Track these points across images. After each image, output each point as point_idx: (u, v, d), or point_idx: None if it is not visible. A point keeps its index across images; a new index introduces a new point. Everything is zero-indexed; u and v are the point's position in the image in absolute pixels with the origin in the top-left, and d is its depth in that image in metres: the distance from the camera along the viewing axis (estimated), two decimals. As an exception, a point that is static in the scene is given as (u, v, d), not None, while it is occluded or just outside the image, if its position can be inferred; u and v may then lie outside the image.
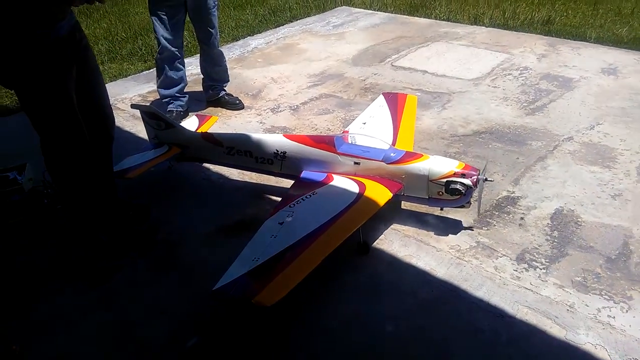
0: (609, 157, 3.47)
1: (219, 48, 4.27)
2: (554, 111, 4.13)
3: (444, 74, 4.94)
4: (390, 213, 2.92)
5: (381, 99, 3.72)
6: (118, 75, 5.28)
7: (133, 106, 3.48)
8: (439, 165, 2.66)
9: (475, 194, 2.69)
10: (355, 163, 2.79)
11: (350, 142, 2.87)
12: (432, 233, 2.83)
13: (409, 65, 5.22)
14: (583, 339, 2.17)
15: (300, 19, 6.97)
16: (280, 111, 4.38)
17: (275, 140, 3.01)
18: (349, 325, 2.30)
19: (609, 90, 4.45)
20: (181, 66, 4.16)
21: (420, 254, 2.69)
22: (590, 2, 6.78)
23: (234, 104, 4.43)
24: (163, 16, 3.89)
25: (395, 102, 3.66)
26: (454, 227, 2.86)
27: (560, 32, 5.86)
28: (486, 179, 2.67)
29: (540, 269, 2.55)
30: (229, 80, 4.49)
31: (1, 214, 3.03)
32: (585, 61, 5.06)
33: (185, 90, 4.32)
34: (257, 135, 3.17)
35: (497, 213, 2.96)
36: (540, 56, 5.25)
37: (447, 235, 2.81)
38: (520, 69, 4.97)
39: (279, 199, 3.08)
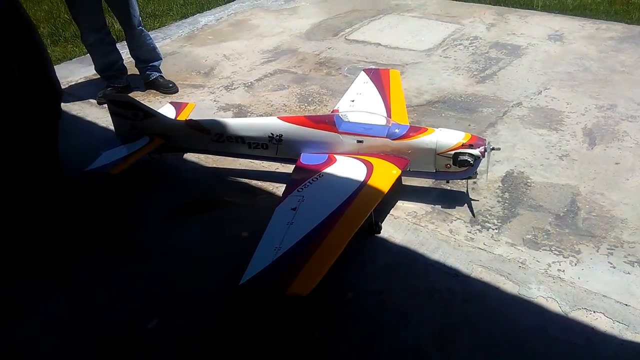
0: (556, 120, 3.58)
1: (140, 27, 4.10)
2: (503, 78, 4.22)
3: (397, 46, 4.96)
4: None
5: (363, 76, 3.62)
6: (62, 58, 5.07)
7: (102, 99, 3.23)
8: (446, 137, 2.64)
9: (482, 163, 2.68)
10: (359, 141, 2.72)
11: (348, 120, 2.78)
12: (389, 201, 2.86)
13: (363, 38, 5.21)
14: (535, 293, 2.26)
15: (250, -6, 6.83)
16: (234, 89, 4.31)
17: (269, 123, 2.89)
18: (311, 296, 2.31)
19: (555, 56, 4.57)
20: (110, 47, 4.10)
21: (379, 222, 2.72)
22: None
23: (167, 87, 4.27)
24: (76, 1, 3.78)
25: (378, 77, 3.58)
26: (410, 194, 2.90)
27: (508, 1, 5.95)
28: (493, 148, 2.67)
29: (493, 230, 2.63)
30: (160, 59, 4.34)
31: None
32: (533, 29, 5.18)
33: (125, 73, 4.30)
34: (248, 119, 3.04)
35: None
36: (489, 25, 5.33)
37: (404, 202, 2.85)
38: (470, 38, 5.04)
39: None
